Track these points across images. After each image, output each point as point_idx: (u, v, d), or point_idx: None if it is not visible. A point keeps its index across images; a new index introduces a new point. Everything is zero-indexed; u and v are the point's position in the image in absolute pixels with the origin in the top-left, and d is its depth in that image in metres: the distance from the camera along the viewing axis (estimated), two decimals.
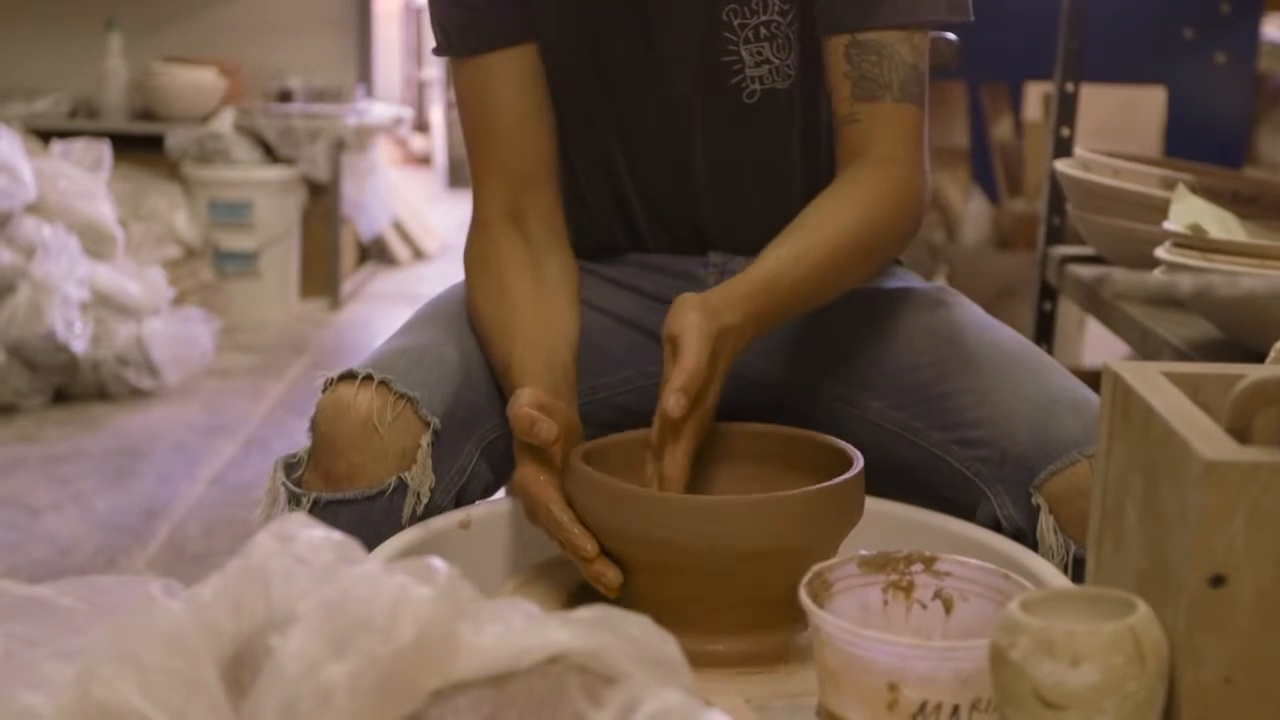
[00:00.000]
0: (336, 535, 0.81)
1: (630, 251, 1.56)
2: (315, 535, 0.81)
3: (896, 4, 1.38)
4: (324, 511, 1.30)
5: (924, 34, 1.40)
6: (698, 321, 1.21)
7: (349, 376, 1.34)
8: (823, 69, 1.43)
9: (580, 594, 1.28)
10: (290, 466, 1.36)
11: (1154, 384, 0.90)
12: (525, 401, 1.24)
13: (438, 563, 0.79)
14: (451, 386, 1.38)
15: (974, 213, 3.38)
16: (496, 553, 1.37)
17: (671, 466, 1.22)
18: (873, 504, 1.36)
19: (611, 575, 1.22)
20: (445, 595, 0.77)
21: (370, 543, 1.23)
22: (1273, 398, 0.84)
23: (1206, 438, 0.81)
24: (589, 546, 1.21)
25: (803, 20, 1.42)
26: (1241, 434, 0.84)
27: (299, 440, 1.38)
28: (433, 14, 1.49)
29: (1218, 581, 0.79)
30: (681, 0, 1.42)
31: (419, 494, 1.32)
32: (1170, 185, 1.90)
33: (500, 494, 1.47)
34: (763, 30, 1.42)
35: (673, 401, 1.19)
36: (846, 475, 1.22)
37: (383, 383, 1.33)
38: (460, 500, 1.38)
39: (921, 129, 1.40)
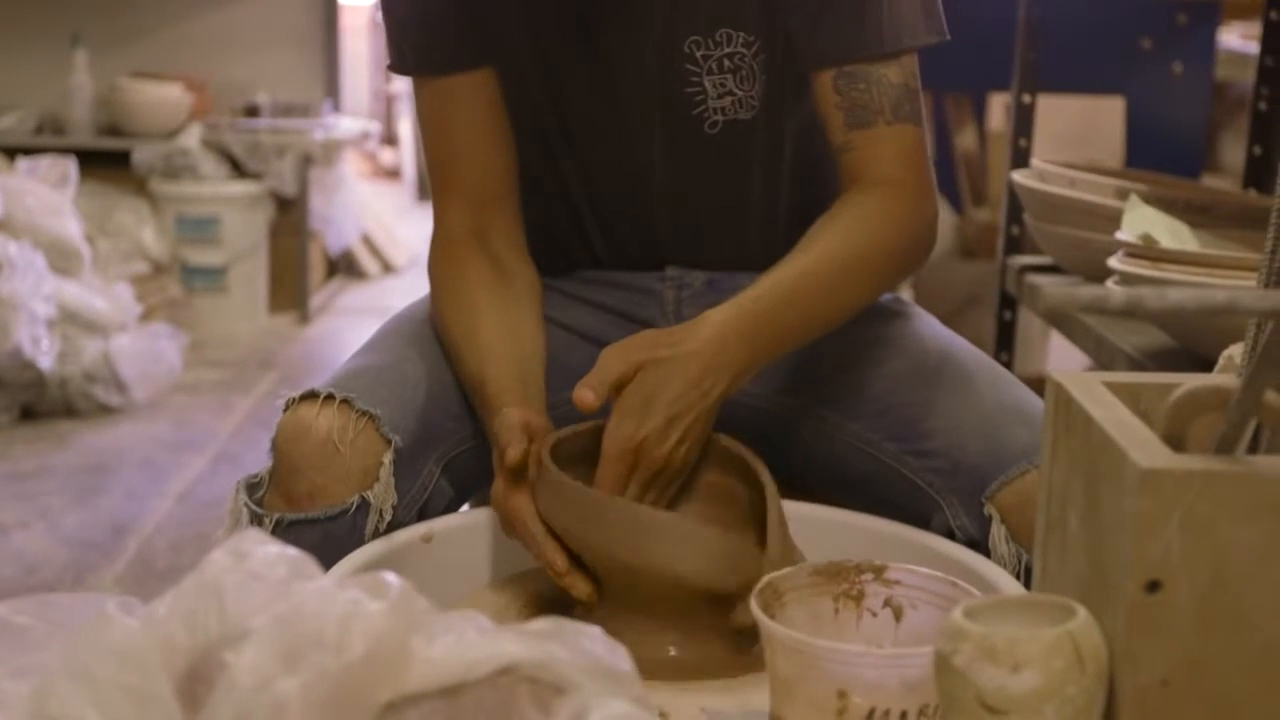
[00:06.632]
0: (291, 551, 0.83)
1: (587, 268, 1.57)
2: (270, 551, 0.82)
3: (879, 34, 1.36)
4: (287, 532, 1.31)
5: (911, 54, 1.40)
6: (613, 351, 1.28)
7: (310, 396, 1.35)
8: (787, 99, 1.44)
9: (546, 603, 1.29)
10: (252, 487, 1.36)
11: (1094, 393, 0.92)
12: (516, 422, 1.27)
13: (390, 577, 0.81)
14: (413, 403, 1.39)
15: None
16: (459, 565, 1.38)
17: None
18: (832, 514, 1.38)
19: (582, 586, 1.24)
20: (398, 609, 0.79)
21: (334, 562, 1.24)
22: (1207, 406, 0.86)
23: (1142, 446, 0.83)
24: (559, 561, 1.24)
25: (769, 51, 1.42)
26: (1178, 442, 0.86)
27: (268, 456, 1.39)
28: (389, 33, 1.49)
29: (1154, 587, 0.81)
30: (638, 33, 1.41)
31: (381, 511, 1.33)
32: (1125, 195, 1.93)
33: (464, 509, 1.48)
34: (726, 62, 1.42)
35: (576, 394, 1.25)
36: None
37: (344, 401, 1.34)
38: (422, 517, 1.39)
39: (921, 146, 1.40)
